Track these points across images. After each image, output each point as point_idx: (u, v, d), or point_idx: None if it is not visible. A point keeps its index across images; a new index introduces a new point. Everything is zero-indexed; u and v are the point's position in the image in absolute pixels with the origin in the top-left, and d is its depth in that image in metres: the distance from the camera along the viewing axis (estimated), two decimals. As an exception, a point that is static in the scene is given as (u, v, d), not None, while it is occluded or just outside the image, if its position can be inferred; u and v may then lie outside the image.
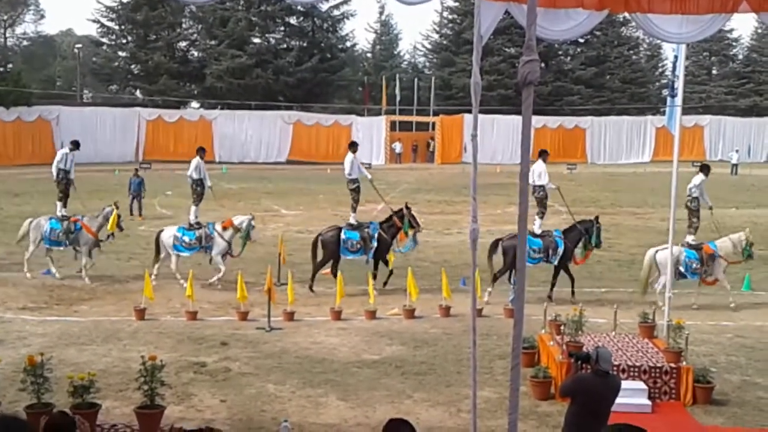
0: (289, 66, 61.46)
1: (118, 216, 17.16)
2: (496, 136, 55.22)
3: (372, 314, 14.45)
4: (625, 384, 9.02)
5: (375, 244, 16.57)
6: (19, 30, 72.71)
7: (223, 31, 61.70)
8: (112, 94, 67.14)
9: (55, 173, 17.66)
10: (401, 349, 12.59)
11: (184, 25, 66.62)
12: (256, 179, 41.82)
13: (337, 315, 14.34)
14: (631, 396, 9.81)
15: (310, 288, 16.21)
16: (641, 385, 10.43)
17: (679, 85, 12.39)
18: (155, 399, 9.04)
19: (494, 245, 16.01)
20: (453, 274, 16.23)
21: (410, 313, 14.55)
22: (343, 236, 16.58)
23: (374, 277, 15.97)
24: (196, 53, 66.36)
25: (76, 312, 14.69)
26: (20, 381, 9.18)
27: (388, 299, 15.46)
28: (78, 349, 12.23)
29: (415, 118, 61.59)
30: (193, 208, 17.29)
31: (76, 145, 18.14)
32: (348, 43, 69.74)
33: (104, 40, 65.37)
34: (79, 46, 68.55)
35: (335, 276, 15.54)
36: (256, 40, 63.50)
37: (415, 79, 65.43)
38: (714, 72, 74.73)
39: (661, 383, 10.56)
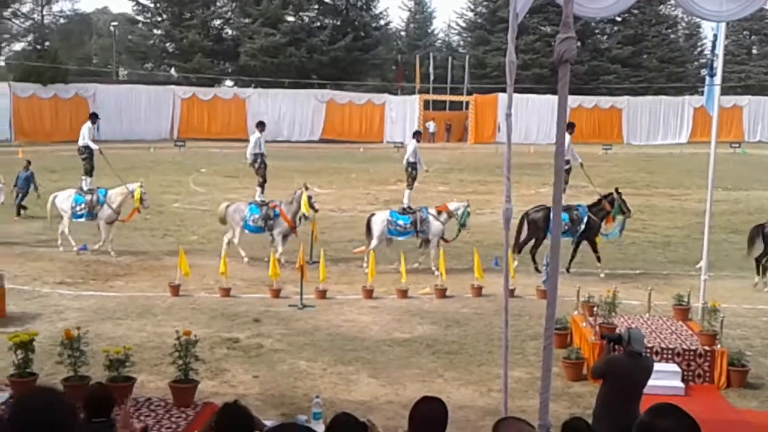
0: (322, 44, 61.38)
1: (309, 197, 16.78)
2: (530, 116, 54.73)
3: (403, 293, 14.47)
4: (658, 366, 8.96)
5: (583, 227, 16.49)
6: (55, 8, 73.25)
7: (257, 9, 61.76)
8: (147, 71, 67.63)
9: (251, 158, 17.65)
10: (432, 328, 12.61)
11: (218, 3, 66.78)
12: (289, 157, 41.80)
13: (369, 293, 14.38)
14: (665, 378, 9.74)
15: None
16: (675, 367, 10.34)
17: (719, 64, 12.17)
18: (189, 373, 9.16)
19: (756, 232, 15.92)
20: (485, 254, 16.21)
21: (442, 293, 14.56)
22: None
23: (573, 258, 16.28)
24: (230, 31, 66.54)
25: (111, 287, 14.90)
26: (57, 354, 9.36)
27: (420, 278, 15.48)
28: (114, 323, 12.40)
29: (448, 98, 61.29)
30: (407, 192, 17.14)
31: (264, 125, 18.23)
32: (382, 22, 69.48)
33: (139, 18, 65.80)
34: (115, 24, 69.10)
35: (533, 256, 16.02)
36: (290, 19, 63.45)
37: (449, 58, 65.02)
38: (754, 51, 73.22)
39: (695, 366, 10.47)
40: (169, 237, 18.59)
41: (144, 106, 53.31)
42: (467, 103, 59.00)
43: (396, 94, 61.46)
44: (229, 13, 67.07)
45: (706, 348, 10.51)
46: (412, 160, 17.52)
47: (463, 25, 73.97)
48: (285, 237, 16.91)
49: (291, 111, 55.93)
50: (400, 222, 16.54)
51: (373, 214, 17.14)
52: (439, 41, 79.62)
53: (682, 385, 10.16)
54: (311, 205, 16.80)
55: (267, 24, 61.01)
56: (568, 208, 16.38)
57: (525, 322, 12.68)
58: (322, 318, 13.03)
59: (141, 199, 17.60)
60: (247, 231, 16.96)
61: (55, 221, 17.91)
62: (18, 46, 68.83)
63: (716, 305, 10.97)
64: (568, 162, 16.63)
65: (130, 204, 17.76)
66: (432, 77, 60.86)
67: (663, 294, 13.69)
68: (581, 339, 11.18)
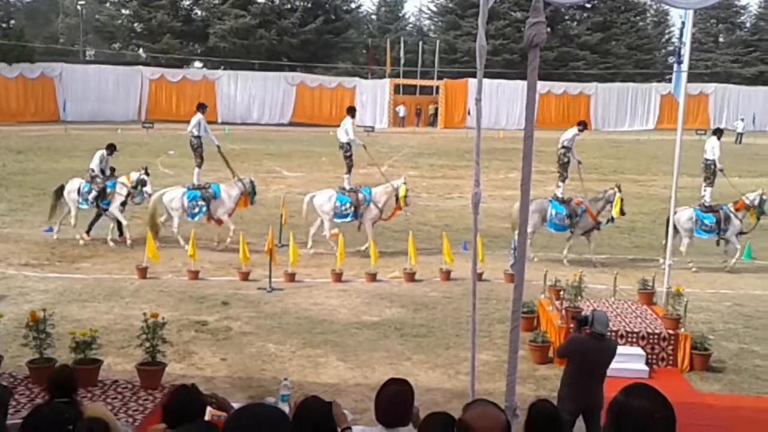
0: (292, 27, 60.89)
1: (621, 199, 16.13)
2: (500, 101, 54.91)
3: (372, 277, 14.52)
4: (622, 349, 9.10)
5: None
6: (22, -14, 72.00)
7: (227, -10, 61.11)
8: (114, 52, 66.68)
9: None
10: (401, 311, 12.67)
11: (187, -17, 65.96)
12: (259, 140, 41.69)
13: (338, 277, 14.41)
14: (629, 361, 9.89)
15: None
16: (639, 350, 10.50)
17: (686, 51, 12.30)
18: (156, 356, 9.15)
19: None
20: (454, 238, 16.27)
21: (410, 277, 14.62)
22: None
23: None
24: (199, 12, 65.66)
25: (78, 269, 14.76)
26: (23, 336, 9.30)
27: (389, 262, 15.52)
28: (80, 305, 12.31)
29: (419, 82, 61.25)
30: (707, 189, 16.55)
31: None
32: (353, 5, 69.02)
33: (107, -3, 64.90)
34: (82, 3, 67.95)
35: None
36: (260, 0, 62.90)
37: (420, 43, 64.90)
38: (721, 40, 73.92)
39: (658, 349, 10.64)
40: (138, 219, 18.40)
41: (111, 87, 52.63)
42: (437, 87, 59.01)
43: (366, 77, 61.26)
44: (199, -6, 66.30)
45: (670, 332, 10.67)
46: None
47: (434, 9, 73.68)
48: (588, 233, 16.53)
49: (261, 94, 55.60)
50: (706, 221, 16.24)
51: (675, 212, 16.92)
52: (410, 25, 79.34)
53: (646, 368, 10.31)
54: (622, 210, 16.27)
55: (237, 5, 60.37)
56: None
57: (492, 306, 12.78)
58: (290, 301, 13.03)
59: (405, 197, 16.62)
60: (550, 229, 16.46)
61: (310, 221, 16.81)
62: (-18, 25, 67.44)
63: (680, 290, 11.17)
64: None
65: (392, 202, 16.84)
66: (402, 61, 60.74)
67: (628, 278, 13.89)
68: (548, 322, 11.30)
